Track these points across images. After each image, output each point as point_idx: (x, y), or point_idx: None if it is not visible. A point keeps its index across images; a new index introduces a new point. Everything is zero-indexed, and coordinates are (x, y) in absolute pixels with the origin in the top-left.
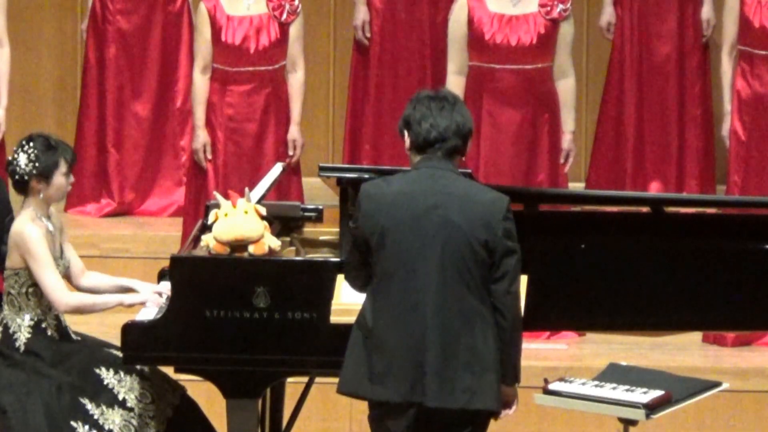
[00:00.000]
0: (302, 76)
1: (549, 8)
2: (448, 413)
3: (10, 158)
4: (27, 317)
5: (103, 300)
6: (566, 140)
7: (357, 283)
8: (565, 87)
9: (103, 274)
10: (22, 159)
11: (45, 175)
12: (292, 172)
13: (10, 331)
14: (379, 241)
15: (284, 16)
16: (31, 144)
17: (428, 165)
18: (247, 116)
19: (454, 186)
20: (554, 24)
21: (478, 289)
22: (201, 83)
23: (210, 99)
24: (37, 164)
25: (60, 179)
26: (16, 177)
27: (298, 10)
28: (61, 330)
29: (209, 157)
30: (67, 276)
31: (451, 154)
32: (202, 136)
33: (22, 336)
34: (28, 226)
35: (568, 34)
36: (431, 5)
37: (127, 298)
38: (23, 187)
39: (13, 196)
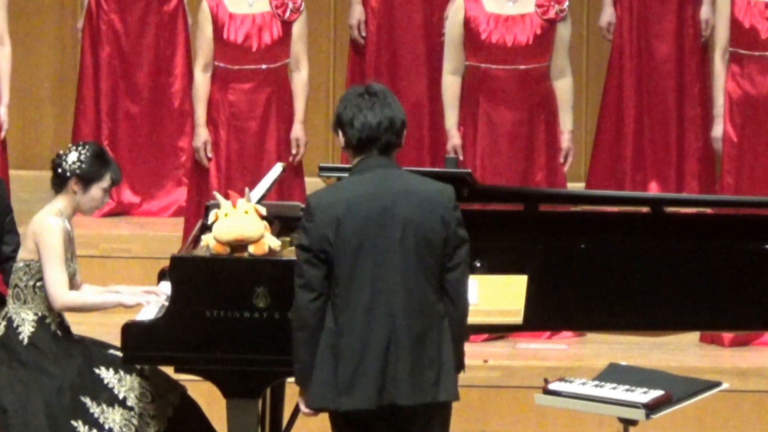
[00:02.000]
0: (306, 75)
1: (545, 8)
2: (416, 409)
3: (60, 152)
4: (31, 312)
5: (101, 300)
6: (565, 139)
7: (315, 303)
8: (563, 86)
9: (92, 286)
10: (72, 156)
11: (86, 179)
12: (295, 172)
13: (14, 324)
14: (337, 249)
15: (287, 14)
16: (87, 147)
17: (372, 165)
18: (249, 114)
19: (401, 183)
20: (551, 24)
21: (436, 283)
22: (202, 81)
23: (212, 97)
24: (83, 166)
25: (97, 192)
26: (59, 170)
27: (301, 8)
28: (64, 328)
29: (210, 155)
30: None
31: (387, 150)
32: (203, 135)
33: (26, 329)
34: (51, 217)
35: (565, 34)
36: (426, 4)
37: (127, 299)
38: (61, 184)
39: (18, 195)
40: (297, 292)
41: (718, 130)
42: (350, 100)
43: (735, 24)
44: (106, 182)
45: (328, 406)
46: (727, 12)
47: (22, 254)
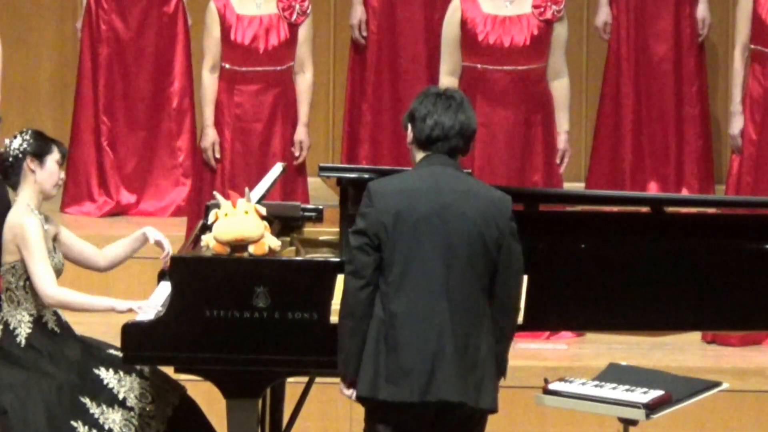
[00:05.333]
0: (310, 78)
1: (542, 9)
2: (462, 410)
3: (2, 149)
4: (26, 312)
5: (91, 302)
6: (561, 140)
7: (363, 291)
8: (560, 87)
9: (115, 243)
10: (16, 141)
11: (39, 154)
12: (298, 172)
13: (11, 327)
14: (394, 239)
15: (294, 16)
16: (25, 131)
17: (435, 163)
18: (254, 116)
19: (464, 184)
20: (548, 25)
21: (486, 288)
22: (210, 82)
23: (218, 98)
24: (31, 142)
25: (53, 165)
26: (10, 159)
27: (308, 11)
28: (62, 324)
29: (218, 156)
30: (85, 265)
31: (453, 153)
32: (211, 135)
33: (23, 331)
34: (27, 217)
35: (562, 35)
36: (427, 4)
37: (119, 304)
38: (17, 173)
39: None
40: (346, 279)
41: (735, 126)
42: (428, 97)
43: (757, 21)
44: (56, 154)
45: (375, 396)
46: (748, 8)
47: (5, 257)
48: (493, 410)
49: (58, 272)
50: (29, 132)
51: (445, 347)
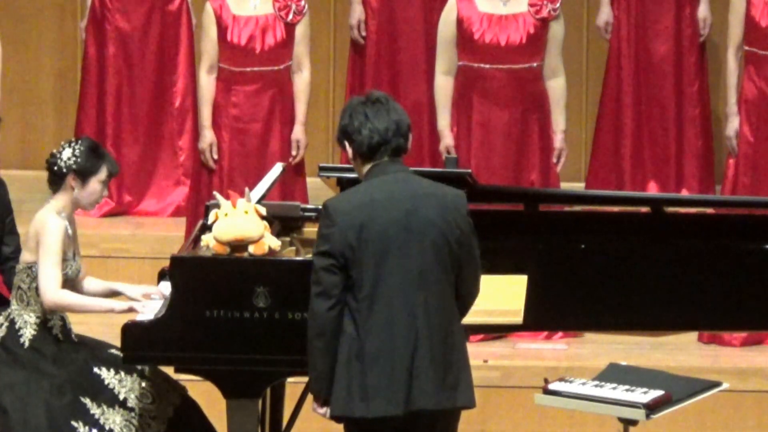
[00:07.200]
0: (308, 77)
1: (538, 8)
2: (438, 414)
3: (54, 151)
4: (34, 315)
5: (91, 303)
6: (558, 140)
7: (332, 311)
8: (556, 86)
9: (95, 278)
10: (67, 152)
11: (83, 174)
12: (296, 172)
13: (16, 326)
14: (360, 254)
15: (290, 16)
16: (80, 142)
17: (386, 171)
18: (252, 116)
19: (419, 187)
20: (544, 24)
21: (452, 287)
22: (207, 83)
23: (215, 99)
24: (79, 160)
25: (95, 185)
26: (55, 168)
27: (305, 10)
28: (66, 331)
29: (215, 157)
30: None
31: (397, 153)
32: (208, 136)
33: (28, 332)
34: (53, 217)
35: (558, 33)
36: (426, 4)
37: (118, 305)
38: (58, 182)
39: (18, 195)
40: (313, 300)
41: (731, 128)
42: (355, 109)
43: (751, 24)
44: (103, 174)
45: (350, 414)
46: (741, 10)
47: (25, 256)
48: (471, 407)
49: (71, 280)
50: (84, 145)
51: (422, 356)
